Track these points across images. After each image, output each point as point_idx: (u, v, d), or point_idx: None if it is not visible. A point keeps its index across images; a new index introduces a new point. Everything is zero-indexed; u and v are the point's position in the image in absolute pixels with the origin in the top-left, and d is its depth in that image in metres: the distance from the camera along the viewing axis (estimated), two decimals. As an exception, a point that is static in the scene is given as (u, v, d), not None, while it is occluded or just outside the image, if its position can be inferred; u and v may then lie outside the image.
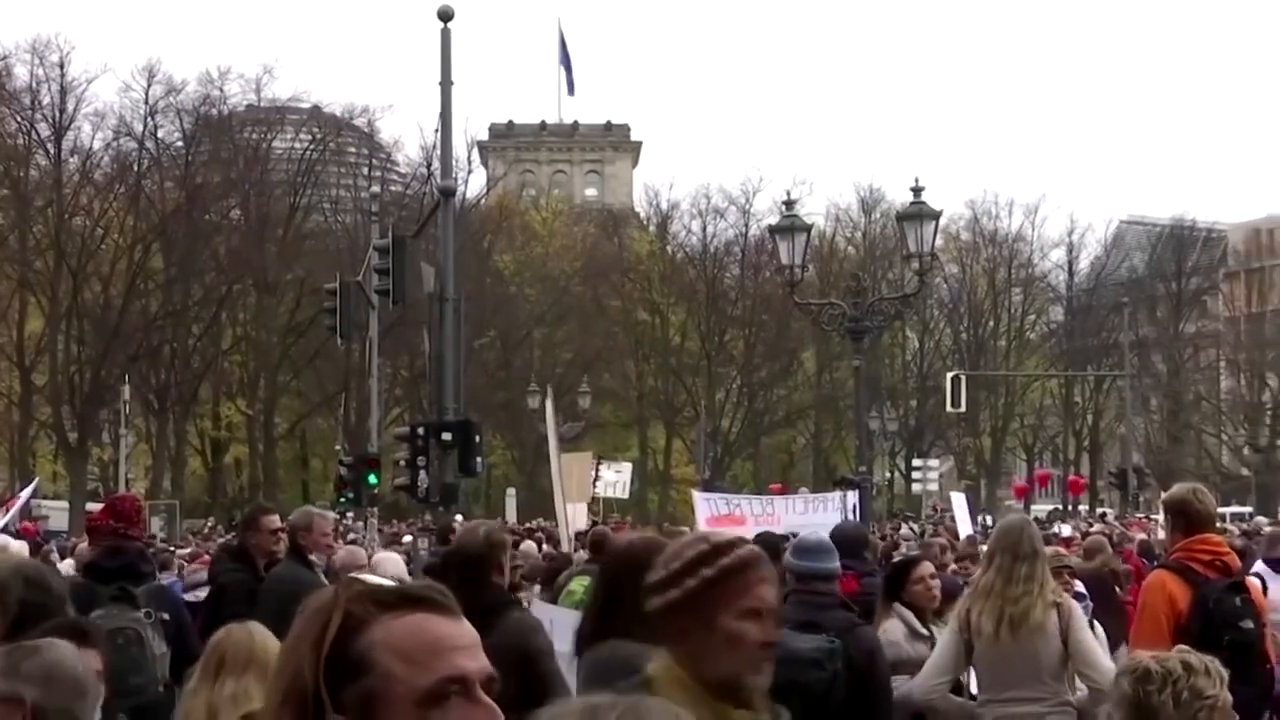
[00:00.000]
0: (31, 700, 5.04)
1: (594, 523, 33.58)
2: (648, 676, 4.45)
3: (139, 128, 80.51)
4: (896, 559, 13.66)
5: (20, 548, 17.58)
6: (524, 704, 7.40)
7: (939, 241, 42.69)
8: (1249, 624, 9.40)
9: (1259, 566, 15.03)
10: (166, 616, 10.43)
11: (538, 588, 16.28)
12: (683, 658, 4.42)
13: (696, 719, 3.99)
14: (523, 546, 20.43)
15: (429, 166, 75.46)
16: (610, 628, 6.55)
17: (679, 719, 2.23)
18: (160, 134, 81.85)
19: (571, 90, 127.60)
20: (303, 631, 2.87)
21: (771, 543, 13.52)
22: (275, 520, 13.16)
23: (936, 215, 34.09)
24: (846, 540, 12.01)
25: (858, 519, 23.34)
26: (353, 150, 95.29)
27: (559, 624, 9.17)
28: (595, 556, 16.81)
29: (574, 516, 32.11)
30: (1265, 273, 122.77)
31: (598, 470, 42.94)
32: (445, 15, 31.44)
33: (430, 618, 2.84)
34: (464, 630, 2.88)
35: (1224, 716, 5.10)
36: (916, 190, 31.82)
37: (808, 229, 36.37)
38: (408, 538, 35.50)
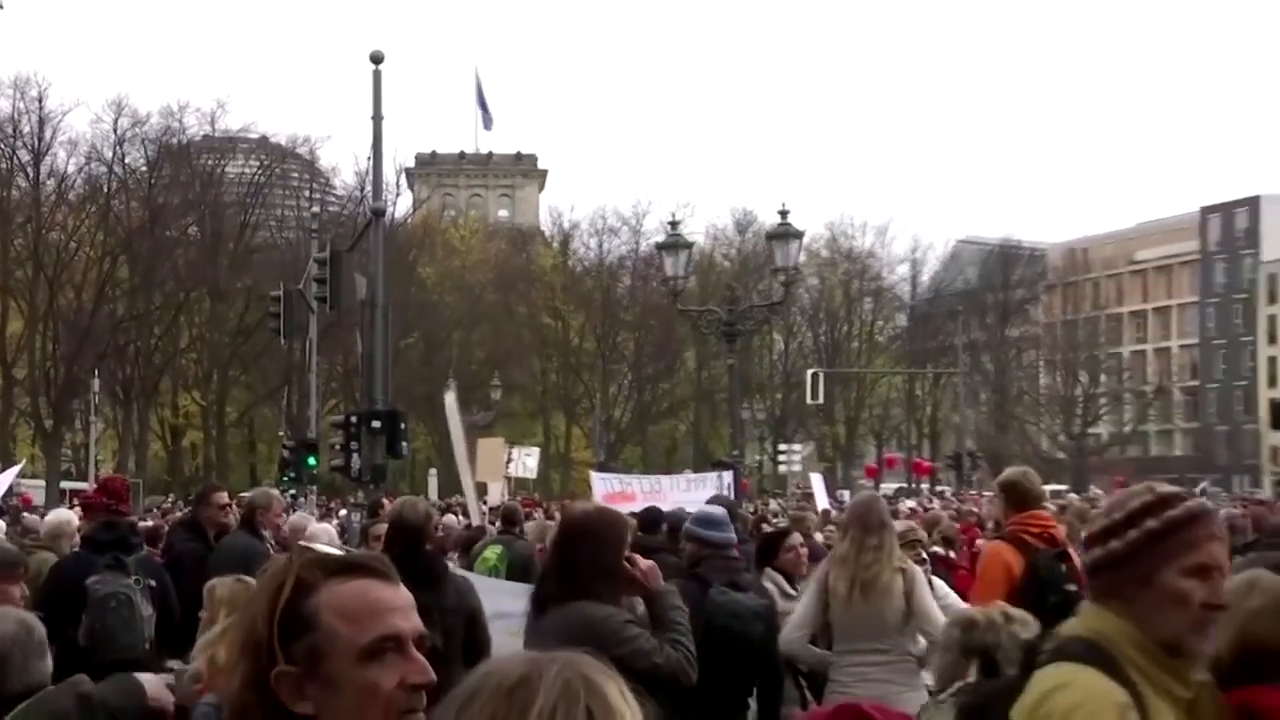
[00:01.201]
0: None
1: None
2: (1087, 632, 3.85)
3: (108, 154, 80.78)
4: (768, 529, 13.56)
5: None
6: (469, 658, 7.29)
7: (802, 257, 42.87)
8: (1072, 587, 9.52)
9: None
10: (154, 583, 10.35)
11: (455, 555, 16.22)
12: (1124, 614, 3.83)
13: (1154, 682, 3.77)
14: (445, 519, 20.39)
15: (362, 190, 75.16)
16: (571, 590, 6.49)
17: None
18: (127, 160, 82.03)
19: (488, 126, 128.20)
20: (260, 592, 2.93)
21: (653, 518, 13.45)
22: (224, 497, 13.33)
23: (800, 235, 34.21)
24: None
25: (732, 496, 23.39)
26: (296, 175, 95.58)
27: (487, 591, 9.19)
28: (507, 529, 16.74)
29: (494, 494, 32.07)
30: (1078, 286, 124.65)
31: (510, 454, 42.84)
32: (377, 59, 31.52)
33: (371, 583, 2.86)
34: (400, 594, 2.89)
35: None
36: (783, 213, 31.94)
37: (689, 246, 36.52)
38: (342, 511, 35.48)
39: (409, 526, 8.99)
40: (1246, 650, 4.24)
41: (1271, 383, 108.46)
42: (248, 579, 6.71)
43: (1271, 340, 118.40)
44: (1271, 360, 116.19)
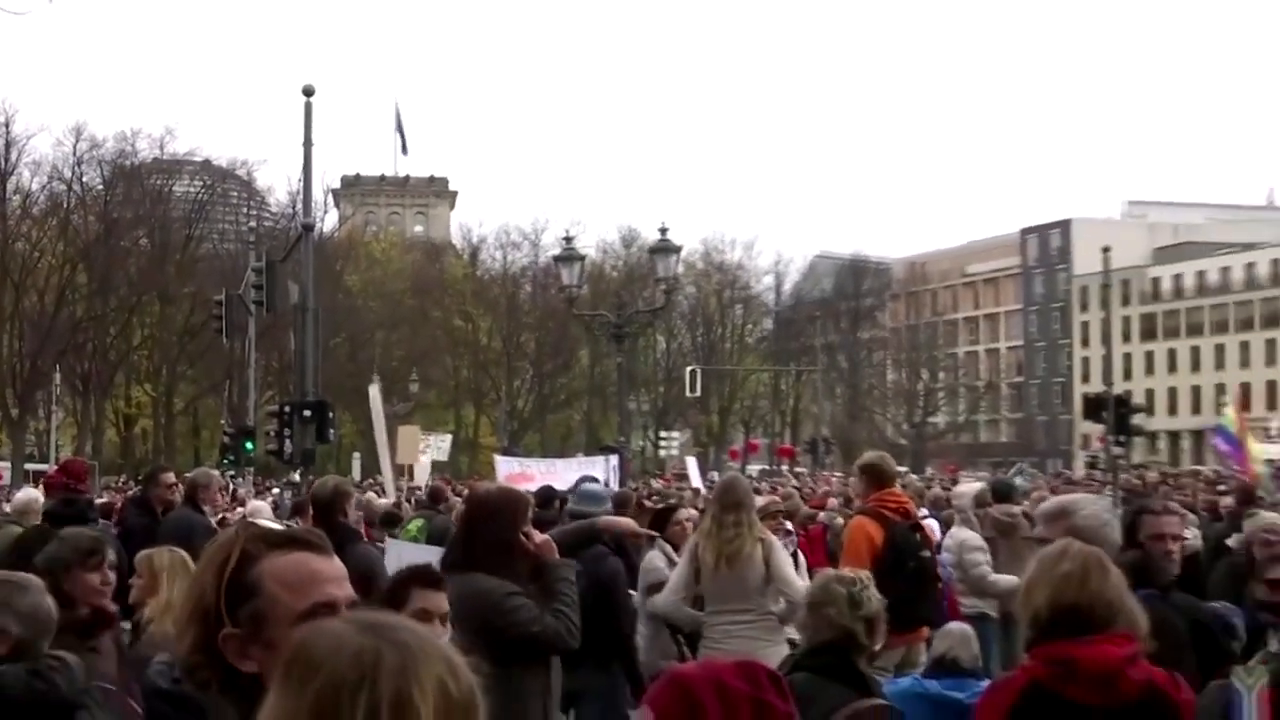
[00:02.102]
0: (16, 635, 4.87)
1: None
2: None
3: (68, 174, 79.85)
4: (660, 505, 13.59)
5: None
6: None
7: (680, 269, 43.09)
8: (926, 554, 9.73)
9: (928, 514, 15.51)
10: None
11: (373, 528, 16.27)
12: None
13: None
14: (366, 496, 20.38)
15: (294, 207, 74.71)
16: (468, 561, 6.51)
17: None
18: (85, 179, 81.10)
19: (405, 151, 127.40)
20: (208, 562, 2.91)
21: (549, 495, 13.49)
22: (170, 477, 13.33)
23: (678, 249, 34.42)
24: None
25: (619, 477, 23.46)
26: (235, 194, 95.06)
27: (407, 555, 9.17)
28: (431, 505, 16.84)
29: (420, 475, 31.98)
30: (919, 295, 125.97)
31: (425, 439, 42.71)
32: (308, 92, 31.25)
33: (308, 555, 2.88)
34: (334, 565, 2.91)
35: (880, 619, 5.09)
36: (663, 230, 32.10)
37: (582, 259, 36.68)
38: (275, 490, 35.32)
39: (320, 502, 9.55)
40: (1058, 609, 4.31)
41: (1085, 379, 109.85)
42: (178, 550, 6.73)
43: (1084, 343, 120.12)
44: (1085, 360, 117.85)
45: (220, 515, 13.88)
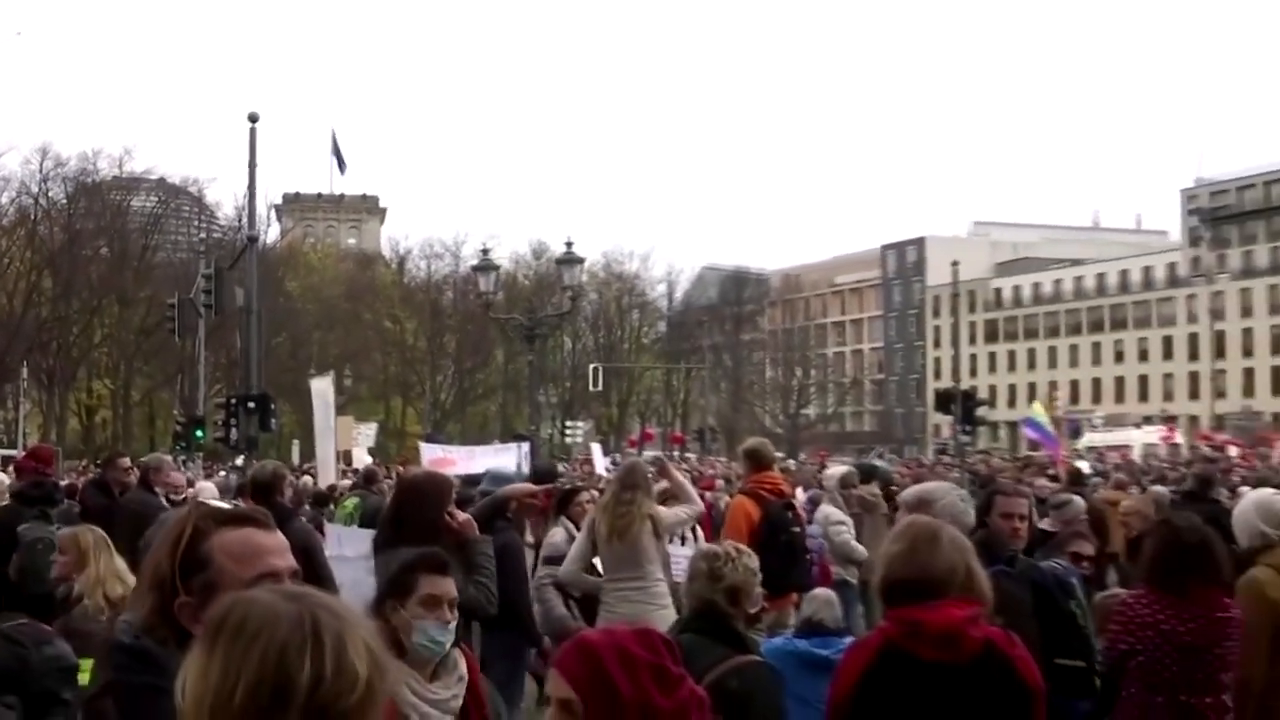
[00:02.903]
0: None
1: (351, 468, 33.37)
2: None
3: (34, 189, 78.48)
4: (566, 487, 13.60)
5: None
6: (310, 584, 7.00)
7: (584, 277, 42.84)
8: (797, 529, 9.77)
9: (801, 495, 15.53)
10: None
11: (307, 506, 16.19)
12: None
13: None
14: (303, 480, 20.23)
15: (240, 220, 73.70)
16: (398, 537, 6.53)
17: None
18: (50, 194, 79.73)
19: (342, 171, 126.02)
20: (164, 538, 2.95)
21: (473, 479, 13.48)
22: (126, 461, 13.27)
23: (581, 260, 34.30)
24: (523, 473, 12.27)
25: (529, 461, 23.44)
26: (187, 208, 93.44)
27: (345, 537, 9.15)
28: (366, 485, 16.78)
29: (359, 459, 31.66)
30: (793, 303, 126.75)
31: (358, 428, 42.39)
32: (253, 119, 31.06)
33: (254, 531, 2.90)
34: (278, 540, 2.93)
35: (745, 587, 5.15)
36: (569, 244, 31.95)
37: (497, 268, 36.60)
38: (222, 473, 34.99)
39: (259, 483, 9.61)
40: (895, 580, 4.40)
41: (936, 377, 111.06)
42: (98, 529, 6.66)
43: (936, 345, 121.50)
44: (936, 360, 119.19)
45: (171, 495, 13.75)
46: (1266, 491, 7.61)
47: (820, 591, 6.64)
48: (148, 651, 2.86)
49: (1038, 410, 34.20)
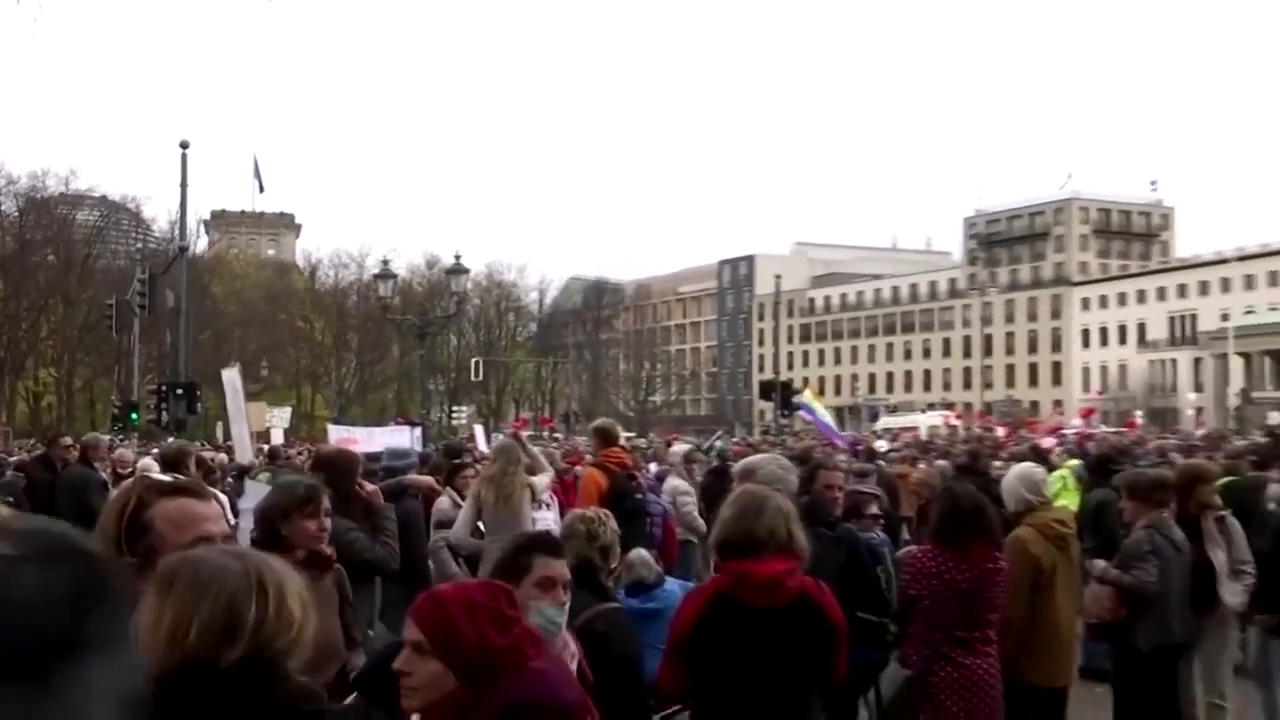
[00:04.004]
0: None
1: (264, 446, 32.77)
2: None
3: (-11, 204, 75.79)
4: (456, 462, 13.46)
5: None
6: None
7: (469, 285, 42.77)
8: (638, 496, 9.71)
9: (653, 469, 15.55)
10: (11, 500, 9.90)
11: (229, 479, 15.82)
12: None
13: None
14: (219, 456, 19.83)
15: (173, 233, 71.96)
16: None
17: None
18: (3, 207, 77.02)
19: (262, 190, 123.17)
20: (111, 507, 2.88)
21: (375, 455, 13.30)
22: (68, 440, 13.18)
23: (467, 270, 34.21)
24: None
25: (421, 441, 23.28)
26: (126, 222, 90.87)
27: (261, 494, 8.93)
28: (272, 461, 16.44)
29: (275, 438, 31.02)
30: (644, 308, 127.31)
31: (271, 412, 41.53)
32: (184, 145, 30.32)
33: (191, 500, 2.85)
34: (212, 508, 2.89)
35: (613, 546, 5.17)
36: (457, 257, 31.77)
37: (395, 276, 36.21)
38: (155, 450, 34.14)
39: (166, 459, 9.54)
40: (728, 538, 4.44)
41: (760, 370, 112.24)
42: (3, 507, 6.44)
43: (760, 344, 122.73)
44: (760, 356, 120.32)
45: (112, 470, 13.38)
46: (1027, 465, 7.82)
47: (637, 553, 6.65)
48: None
49: (808, 397, 34.91)
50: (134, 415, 35.82)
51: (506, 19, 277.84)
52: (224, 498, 9.93)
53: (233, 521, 8.33)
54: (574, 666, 3.70)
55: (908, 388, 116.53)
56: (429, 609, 2.54)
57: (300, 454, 22.90)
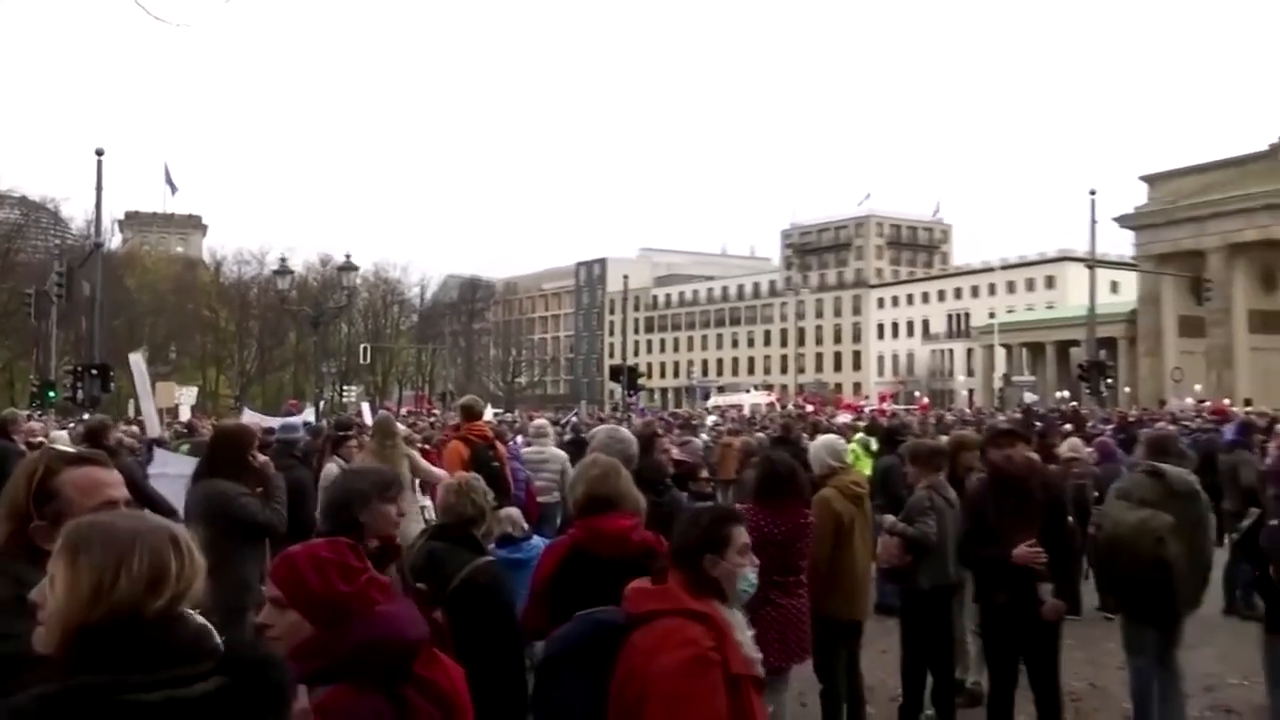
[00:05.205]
0: None
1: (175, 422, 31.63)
2: None
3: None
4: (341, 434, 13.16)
5: None
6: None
7: (358, 280, 41.99)
8: (496, 464, 9.64)
9: (521, 440, 15.37)
10: None
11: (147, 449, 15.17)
12: None
13: None
14: (133, 428, 19.05)
15: (90, 231, 68.64)
16: (215, 470, 6.26)
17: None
18: (-74, 210, 72.41)
19: (174, 192, 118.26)
20: (20, 474, 2.78)
21: (270, 429, 12.92)
22: None
23: (356, 268, 33.63)
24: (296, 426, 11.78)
25: (315, 417, 22.83)
26: (45, 220, 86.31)
27: (170, 460, 8.66)
28: (190, 433, 15.89)
29: (184, 415, 29.92)
30: (512, 302, 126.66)
31: (180, 390, 40.07)
32: (99, 152, 29.05)
33: (95, 469, 2.76)
34: (114, 475, 2.79)
35: (487, 507, 5.11)
36: (348, 256, 31.36)
37: (292, 272, 35.49)
38: (71, 424, 32.68)
39: (89, 430, 9.16)
40: (586, 497, 4.43)
41: (610, 356, 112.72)
42: None
43: (611, 334, 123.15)
44: (611, 345, 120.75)
45: (29, 441, 12.69)
46: (830, 436, 8.01)
47: (508, 512, 6.62)
48: (6, 569, 2.65)
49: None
50: (51, 393, 34.32)
51: (377, 35, 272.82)
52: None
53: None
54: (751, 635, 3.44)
55: (735, 372, 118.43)
56: (282, 568, 2.50)
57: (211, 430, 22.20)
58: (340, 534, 3.66)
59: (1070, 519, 6.64)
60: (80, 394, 27.02)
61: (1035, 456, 12.74)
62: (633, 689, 3.12)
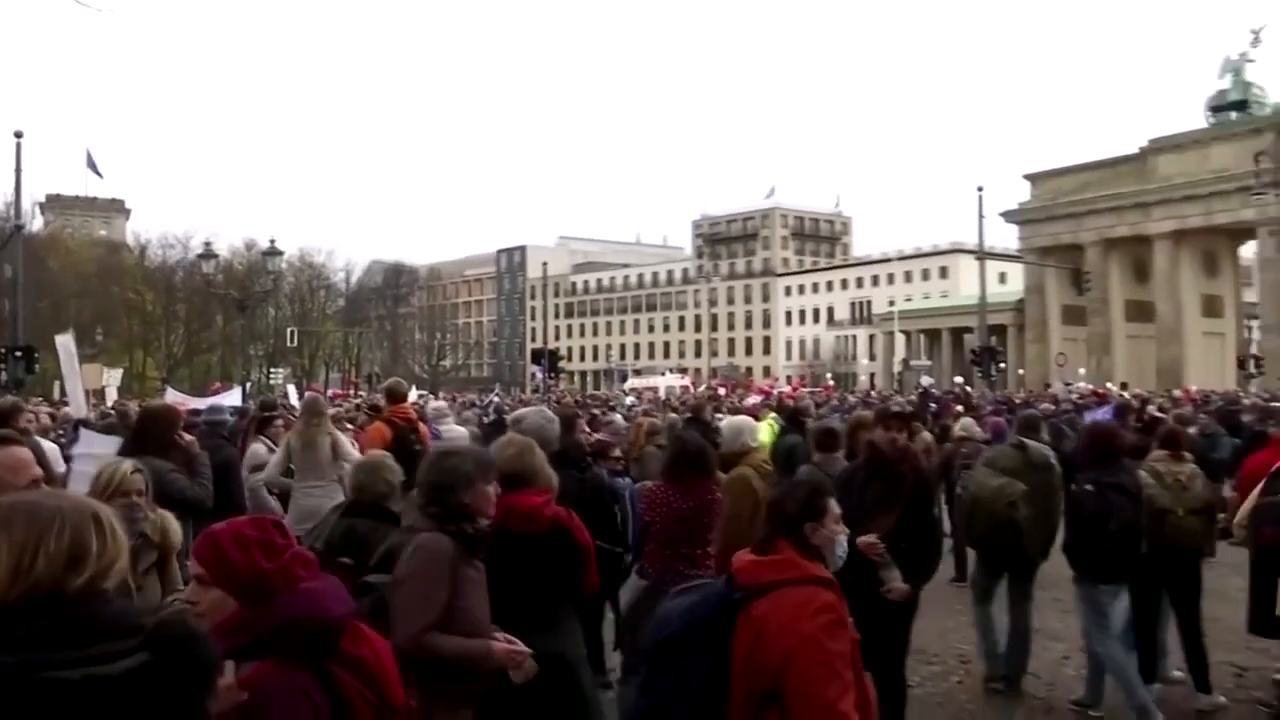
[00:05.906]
0: None
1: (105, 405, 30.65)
2: None
3: None
4: (266, 414, 12.89)
5: None
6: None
7: (284, 265, 41.31)
8: (418, 446, 9.43)
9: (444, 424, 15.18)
10: None
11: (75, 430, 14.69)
12: None
13: None
14: (62, 411, 18.41)
15: (9, 213, 66.19)
16: (143, 448, 6.13)
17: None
18: None
19: (100, 176, 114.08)
20: None
21: (195, 410, 12.66)
22: None
23: (282, 253, 33.09)
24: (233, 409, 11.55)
25: (244, 398, 22.38)
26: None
27: (94, 440, 8.41)
28: (122, 421, 15.42)
29: (110, 397, 29.04)
30: (436, 287, 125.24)
31: (107, 372, 38.82)
32: (19, 134, 27.97)
33: (15, 449, 2.79)
34: (30, 455, 2.85)
35: (396, 484, 5.06)
36: (273, 241, 30.66)
37: (216, 256, 34.57)
38: (-5, 406, 31.46)
39: (3, 412, 8.46)
40: (505, 475, 4.44)
41: (532, 340, 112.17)
42: None
43: (532, 319, 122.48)
44: (532, 329, 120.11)
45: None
46: (742, 417, 8.12)
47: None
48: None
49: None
50: (-26, 375, 32.98)
51: (301, 23, 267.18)
52: (55, 447, 9.25)
53: (62, 468, 7.78)
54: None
55: (650, 355, 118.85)
56: (205, 545, 2.46)
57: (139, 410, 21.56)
58: (447, 519, 3.63)
59: (935, 509, 6.69)
60: (3, 375, 26.09)
61: (928, 437, 13.05)
62: (771, 657, 3.05)
